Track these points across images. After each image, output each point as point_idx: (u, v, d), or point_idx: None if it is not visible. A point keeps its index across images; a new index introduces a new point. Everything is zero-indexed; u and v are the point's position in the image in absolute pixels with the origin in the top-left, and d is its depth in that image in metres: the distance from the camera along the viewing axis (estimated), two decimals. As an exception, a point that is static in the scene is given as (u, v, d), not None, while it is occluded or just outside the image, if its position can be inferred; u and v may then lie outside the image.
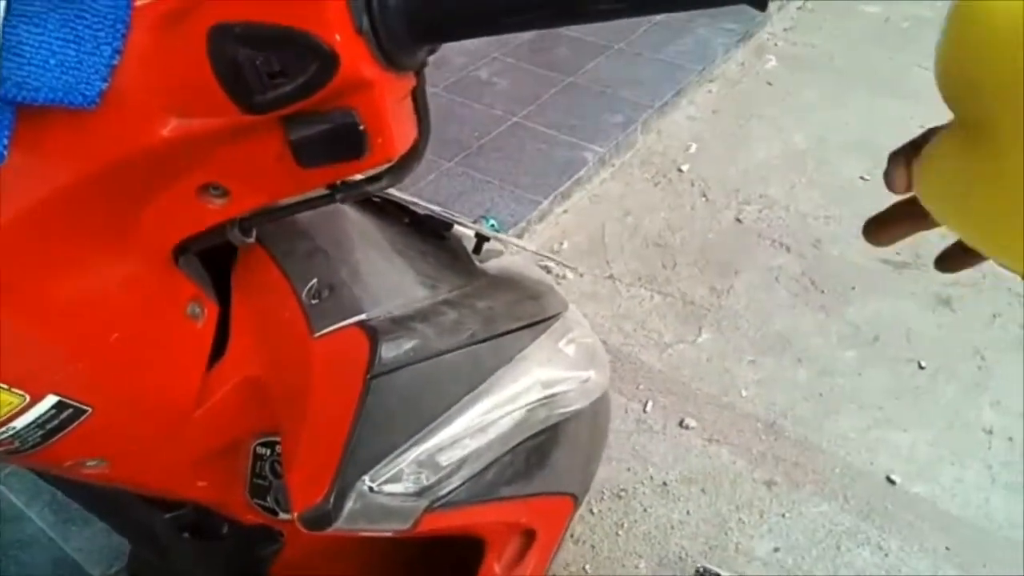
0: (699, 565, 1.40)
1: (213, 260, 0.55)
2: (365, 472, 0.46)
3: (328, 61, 0.34)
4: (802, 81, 2.75)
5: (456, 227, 0.69)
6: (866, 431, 1.69)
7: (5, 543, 1.44)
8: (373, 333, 0.49)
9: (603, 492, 1.60)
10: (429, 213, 0.67)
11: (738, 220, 2.17)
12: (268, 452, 0.57)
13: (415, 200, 0.67)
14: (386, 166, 0.42)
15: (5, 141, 0.33)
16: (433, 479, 0.50)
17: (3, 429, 0.42)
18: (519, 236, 2.08)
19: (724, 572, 1.38)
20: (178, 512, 0.68)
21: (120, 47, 0.33)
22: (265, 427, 0.57)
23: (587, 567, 1.49)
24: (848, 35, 3.01)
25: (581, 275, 2.03)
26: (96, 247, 0.42)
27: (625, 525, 1.57)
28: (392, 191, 0.66)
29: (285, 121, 0.38)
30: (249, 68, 0.34)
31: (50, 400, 0.42)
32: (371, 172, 0.42)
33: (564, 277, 2.02)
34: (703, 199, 2.26)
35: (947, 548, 1.49)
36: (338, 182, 0.44)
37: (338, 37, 0.33)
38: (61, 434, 0.44)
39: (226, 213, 0.44)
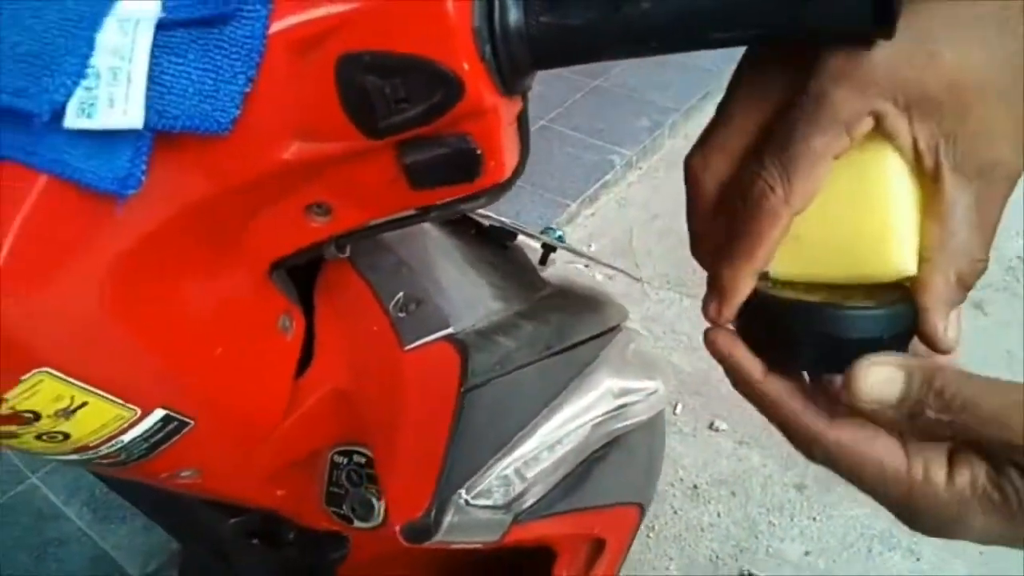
0: (745, 570, 1.40)
1: (294, 272, 0.56)
2: (461, 485, 0.47)
3: (454, 88, 0.35)
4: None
5: (520, 237, 0.70)
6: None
7: (44, 541, 1.46)
8: (463, 347, 0.50)
9: (635, 495, 1.61)
10: (495, 224, 0.68)
11: (765, 223, 2.17)
12: (345, 461, 0.58)
13: (485, 212, 0.68)
14: (488, 186, 0.43)
15: (143, 167, 0.34)
16: (519, 490, 0.51)
17: (113, 442, 0.43)
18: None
19: (766, 577, 1.38)
20: (244, 517, 0.69)
21: (254, 75, 0.34)
22: (344, 436, 0.58)
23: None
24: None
25: (640, 280, 2.02)
26: (207, 264, 0.43)
27: (655, 527, 1.57)
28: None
29: (399, 145, 0.39)
30: (376, 95, 0.35)
31: (158, 414, 0.43)
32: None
33: (594, 278, 2.03)
34: (729, 202, 2.26)
35: (980, 553, 1.48)
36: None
37: (466, 66, 0.34)
38: (164, 446, 0.45)
39: (328, 231, 0.44)
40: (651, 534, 1.57)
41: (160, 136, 0.34)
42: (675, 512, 1.60)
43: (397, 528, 0.46)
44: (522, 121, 0.42)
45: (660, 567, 1.51)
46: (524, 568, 0.67)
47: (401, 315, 0.52)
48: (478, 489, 0.48)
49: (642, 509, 0.69)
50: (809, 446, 0.32)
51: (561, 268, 0.81)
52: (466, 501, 0.47)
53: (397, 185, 0.40)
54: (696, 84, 2.57)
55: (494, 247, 0.69)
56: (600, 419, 0.59)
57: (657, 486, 1.60)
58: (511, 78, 0.37)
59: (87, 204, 0.34)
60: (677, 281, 2.03)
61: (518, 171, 0.43)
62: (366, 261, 0.54)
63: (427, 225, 0.63)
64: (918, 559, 1.50)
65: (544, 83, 2.54)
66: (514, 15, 0.35)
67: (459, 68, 0.34)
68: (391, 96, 0.35)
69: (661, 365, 0.72)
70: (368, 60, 0.34)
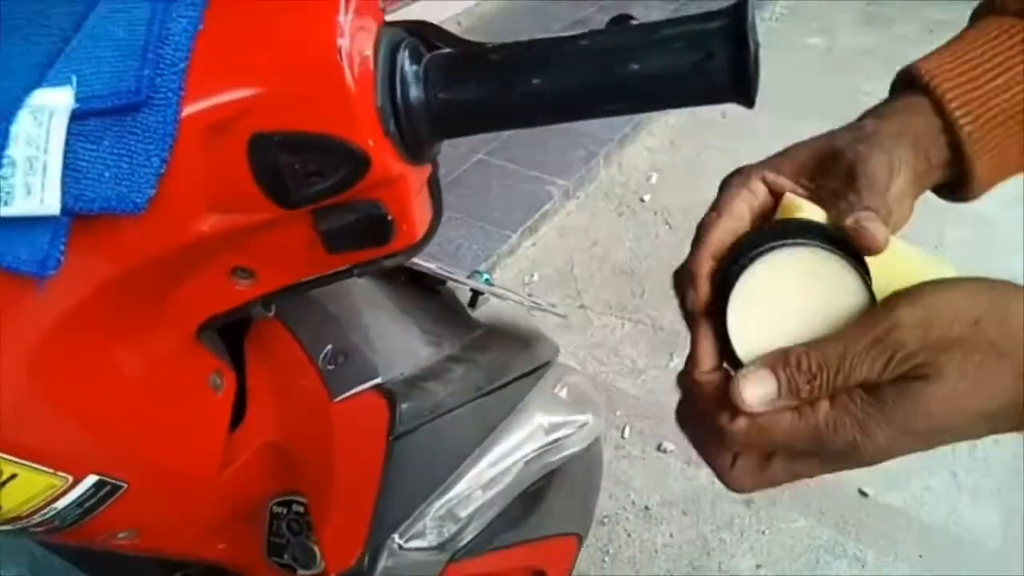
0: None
1: (225, 327, 0.57)
2: (394, 530, 0.49)
3: (360, 163, 0.37)
4: (755, 111, 2.83)
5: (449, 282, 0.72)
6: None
7: (-17, 609, 1.40)
8: (391, 396, 0.52)
9: (588, 521, 1.63)
10: (425, 271, 0.70)
11: (701, 246, 2.23)
12: (284, 511, 0.59)
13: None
14: (404, 245, 0.45)
15: (62, 247, 0.35)
16: (453, 531, 0.53)
17: (46, 510, 0.44)
18: (490, 270, 2.11)
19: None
20: (186, 571, 0.70)
21: (167, 157, 0.36)
22: (282, 487, 0.59)
23: (576, 596, 1.52)
24: (795, 67, 3.14)
25: (566, 316, 2.06)
26: (134, 333, 0.44)
27: (610, 551, 1.59)
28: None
29: (315, 212, 0.41)
30: (287, 171, 0.37)
31: (91, 480, 0.44)
32: None
33: (532, 314, 2.06)
34: (666, 227, 2.33)
35: (920, 556, 1.54)
36: (357, 260, 0.47)
37: (371, 142, 0.37)
38: (98, 510, 0.46)
39: (253, 293, 0.46)
40: (606, 558, 1.59)
41: (79, 216, 0.36)
42: (628, 535, 1.62)
43: None
44: (433, 184, 0.45)
45: (617, 590, 1.53)
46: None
47: (330, 368, 0.53)
48: (412, 532, 0.50)
49: (580, 539, 0.71)
50: (721, 437, 0.37)
51: (500, 304, 0.84)
52: (399, 545, 0.49)
53: (315, 249, 0.42)
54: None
55: (425, 292, 0.71)
56: (532, 455, 0.62)
57: (610, 510, 1.63)
58: (416, 149, 0.40)
59: (8, 286, 0.36)
60: (619, 307, 2.08)
61: (432, 230, 0.46)
62: (294, 316, 0.56)
63: (356, 276, 0.65)
64: (863, 565, 1.55)
65: (481, 118, 2.60)
66: (415, 92, 0.38)
67: (364, 144, 0.37)
68: (302, 171, 0.37)
69: (593, 397, 0.74)
70: (279, 140, 0.37)
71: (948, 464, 1.69)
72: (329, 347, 0.54)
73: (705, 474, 1.70)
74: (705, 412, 0.38)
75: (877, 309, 0.35)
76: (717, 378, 0.38)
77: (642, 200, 2.44)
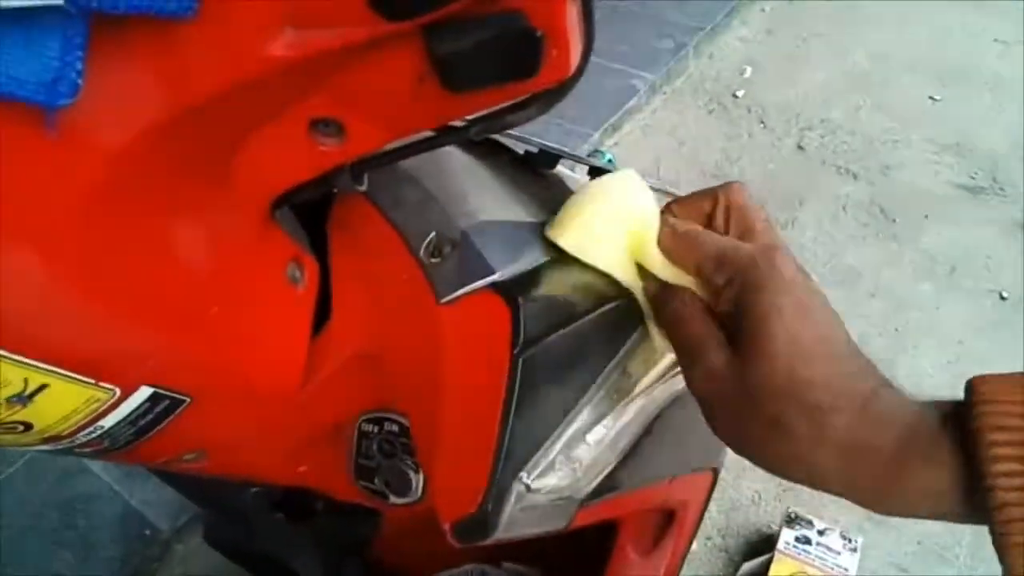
0: (791, 510, 1.34)
1: (300, 210, 0.46)
2: (521, 468, 0.38)
3: None
4: (863, -7, 2.57)
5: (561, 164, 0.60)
6: (946, 367, 1.60)
7: (71, 497, 1.43)
8: (512, 298, 0.41)
9: (673, 438, 1.55)
10: (539, 147, 0.57)
11: (800, 147, 2.04)
12: (375, 429, 0.50)
13: (516, 133, 0.58)
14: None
15: (78, 66, 0.24)
16: (583, 468, 0.42)
17: (90, 429, 0.35)
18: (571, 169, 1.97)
19: (816, 520, 1.32)
20: (266, 487, 0.62)
21: (223, -68, 0.24)
22: (373, 402, 0.49)
23: (660, 515, 1.45)
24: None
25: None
26: (189, 204, 0.33)
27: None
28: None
29: (428, 31, 0.29)
30: None
31: (144, 392, 0.34)
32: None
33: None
34: (761, 126, 2.13)
35: None
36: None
37: None
38: (157, 429, 0.37)
39: (341, 155, 0.35)
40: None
41: (101, 26, 0.25)
42: (715, 453, 1.54)
43: (447, 526, 0.38)
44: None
45: (700, 510, 1.46)
46: (582, 538, 0.59)
47: (434, 261, 0.42)
48: (541, 469, 0.39)
49: (715, 472, 0.60)
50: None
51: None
52: (527, 487, 0.38)
53: (427, 88, 0.30)
54: (718, 1, 2.41)
55: (532, 175, 0.58)
56: (670, 376, 0.50)
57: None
58: None
59: (15, 126, 0.25)
60: (709, 212, 1.93)
61: (582, 67, 0.33)
62: (387, 196, 0.45)
63: (454, 150, 0.53)
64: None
65: (560, 4, 2.39)
66: None
67: None
68: None
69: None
70: None
71: None
72: (433, 235, 0.43)
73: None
74: None
75: None
76: None
77: (735, 96, 2.23)
